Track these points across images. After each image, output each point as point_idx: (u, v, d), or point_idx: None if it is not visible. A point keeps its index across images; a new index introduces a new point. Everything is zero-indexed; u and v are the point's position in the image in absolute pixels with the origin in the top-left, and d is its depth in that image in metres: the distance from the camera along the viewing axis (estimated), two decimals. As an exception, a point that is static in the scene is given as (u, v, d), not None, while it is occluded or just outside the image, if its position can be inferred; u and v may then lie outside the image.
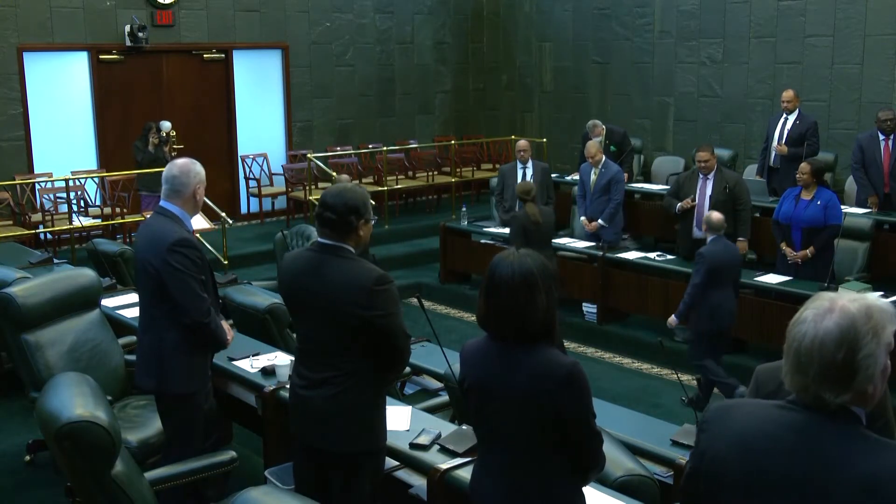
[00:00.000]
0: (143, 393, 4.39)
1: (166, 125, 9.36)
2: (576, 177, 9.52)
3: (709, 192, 7.11)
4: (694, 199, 7.14)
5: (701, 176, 7.17)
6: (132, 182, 9.41)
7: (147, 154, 9.03)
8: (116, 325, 5.00)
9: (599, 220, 8.01)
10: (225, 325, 3.83)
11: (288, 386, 3.56)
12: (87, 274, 4.62)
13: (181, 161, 3.72)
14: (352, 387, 3.11)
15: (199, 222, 7.91)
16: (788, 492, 1.66)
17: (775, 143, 8.44)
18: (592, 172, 8.12)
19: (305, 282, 3.13)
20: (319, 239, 3.16)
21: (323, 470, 3.27)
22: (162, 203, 3.69)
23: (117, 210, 9.28)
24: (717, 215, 6.08)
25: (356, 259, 3.15)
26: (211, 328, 3.64)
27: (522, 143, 8.60)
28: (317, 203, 3.17)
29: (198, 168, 3.71)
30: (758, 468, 1.70)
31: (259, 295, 4.87)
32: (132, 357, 4.61)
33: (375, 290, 3.03)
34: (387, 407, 3.60)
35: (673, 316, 6.13)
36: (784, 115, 8.43)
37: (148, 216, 3.82)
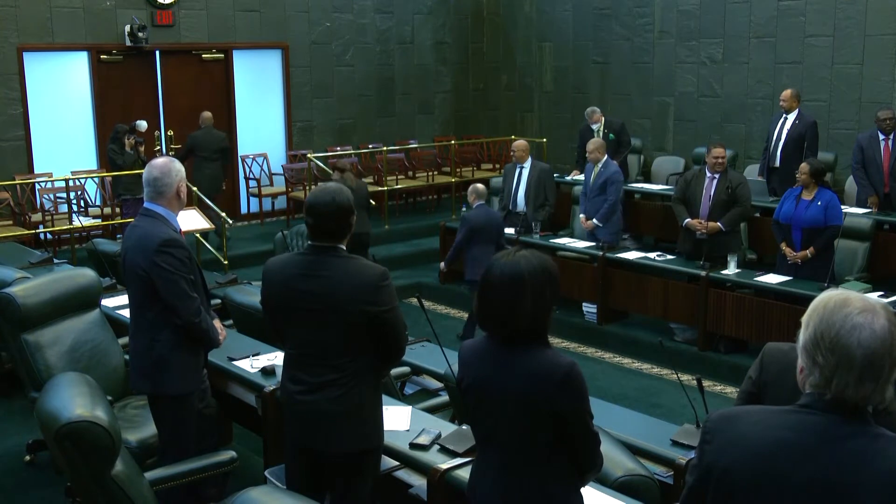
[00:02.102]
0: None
1: (143, 125, 9.37)
2: (576, 176, 9.55)
3: (712, 191, 7.11)
4: (703, 223, 7.11)
5: (708, 175, 7.16)
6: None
7: (128, 156, 8.95)
8: (116, 325, 5.00)
9: (594, 220, 8.01)
10: (217, 323, 3.83)
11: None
12: (86, 274, 4.62)
13: (159, 162, 3.71)
14: (356, 386, 3.13)
15: (198, 222, 7.91)
16: (813, 495, 1.65)
17: (774, 142, 8.46)
18: (593, 171, 8.12)
19: (303, 285, 3.12)
20: (312, 242, 3.16)
21: (320, 473, 3.27)
22: (146, 205, 3.69)
23: (117, 210, 9.27)
24: (480, 186, 7.47)
25: (354, 257, 3.18)
26: (202, 327, 3.64)
27: (516, 143, 8.58)
28: (307, 212, 3.16)
29: (177, 166, 3.71)
30: (778, 475, 1.68)
31: (259, 295, 4.86)
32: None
33: (381, 286, 3.09)
34: (388, 407, 3.62)
35: (442, 263, 7.52)
36: (784, 115, 8.43)
37: (134, 219, 3.83)
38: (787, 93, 8.42)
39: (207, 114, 9.92)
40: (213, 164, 9.69)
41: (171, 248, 3.55)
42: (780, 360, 2.64)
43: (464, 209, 9.20)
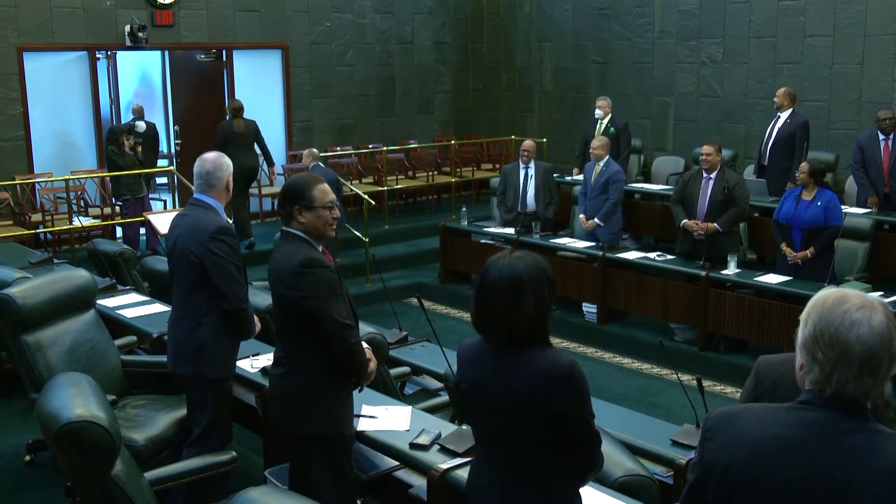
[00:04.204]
0: (144, 393, 4.40)
1: (142, 125, 9.46)
2: (577, 176, 9.54)
3: (709, 192, 7.11)
4: (699, 223, 7.12)
5: (705, 175, 7.16)
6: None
7: (128, 157, 8.99)
8: (116, 324, 5.00)
9: (595, 219, 8.01)
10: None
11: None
12: (82, 275, 4.64)
13: (211, 156, 3.87)
14: (296, 369, 3.26)
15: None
16: (813, 491, 1.66)
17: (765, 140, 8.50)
18: (594, 170, 8.12)
19: (269, 268, 3.35)
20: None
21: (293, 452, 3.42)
22: (196, 195, 3.86)
23: (117, 210, 9.27)
24: (315, 150, 8.60)
25: (296, 243, 3.25)
26: (248, 314, 3.82)
27: (527, 143, 8.60)
28: None
29: (227, 161, 3.90)
30: (778, 472, 1.69)
31: (259, 295, 4.85)
32: (129, 357, 4.64)
33: (299, 272, 3.16)
34: (388, 407, 3.61)
35: None
36: (777, 114, 8.44)
37: (183, 208, 4.03)
38: (780, 91, 8.44)
39: (137, 105, 10.33)
40: (149, 151, 9.90)
41: (224, 235, 3.73)
42: (774, 371, 2.64)
43: (464, 209, 9.22)
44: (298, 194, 3.24)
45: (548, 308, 2.45)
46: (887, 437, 1.66)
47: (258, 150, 9.47)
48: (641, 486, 3.09)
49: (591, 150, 8.15)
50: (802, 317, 1.74)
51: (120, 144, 8.96)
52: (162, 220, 7.22)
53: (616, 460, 3.11)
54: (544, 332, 2.46)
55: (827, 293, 1.73)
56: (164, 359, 4.18)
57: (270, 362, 4.12)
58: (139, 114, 10.11)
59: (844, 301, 1.69)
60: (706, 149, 7.11)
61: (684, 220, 7.22)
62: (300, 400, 3.26)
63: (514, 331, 2.42)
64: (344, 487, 3.31)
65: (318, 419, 3.26)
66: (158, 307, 5.31)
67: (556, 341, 7.43)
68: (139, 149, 9.17)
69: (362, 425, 3.55)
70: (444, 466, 3.16)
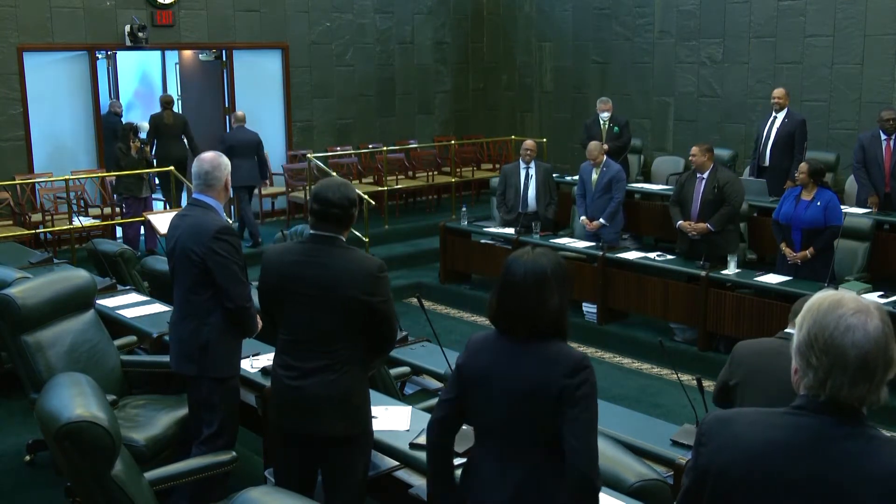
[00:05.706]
0: (144, 393, 4.39)
1: (146, 126, 9.49)
2: (577, 177, 9.54)
3: (701, 191, 7.13)
4: (691, 224, 7.14)
5: (697, 175, 7.19)
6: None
7: (130, 160, 9.01)
8: (115, 324, 5.00)
9: (601, 220, 8.02)
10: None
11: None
12: (81, 275, 4.63)
13: (209, 156, 3.87)
14: (346, 372, 3.23)
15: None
16: (809, 495, 1.65)
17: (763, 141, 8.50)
18: (594, 172, 8.13)
19: (300, 272, 3.21)
20: (314, 231, 3.24)
21: (309, 461, 3.35)
22: (196, 195, 3.87)
23: (117, 210, 9.28)
24: (240, 112, 9.61)
25: (353, 248, 3.28)
26: (251, 313, 3.80)
27: (529, 142, 8.63)
28: (313, 199, 3.27)
29: (225, 160, 3.90)
30: (774, 476, 1.68)
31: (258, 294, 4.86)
32: (129, 357, 4.63)
33: (379, 277, 3.18)
34: (388, 407, 3.64)
35: None
36: (773, 114, 8.44)
37: (182, 208, 4.08)
38: (781, 91, 8.46)
39: (116, 102, 10.83)
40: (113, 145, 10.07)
41: (227, 235, 3.73)
42: (749, 356, 2.67)
43: (464, 209, 9.22)
44: (356, 202, 3.27)
45: (567, 303, 2.50)
46: (883, 441, 1.66)
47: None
48: (656, 490, 3.06)
49: (589, 160, 8.15)
50: (797, 321, 1.73)
51: (128, 145, 8.99)
52: (162, 220, 7.22)
53: (629, 466, 3.07)
54: (563, 327, 2.50)
55: (822, 297, 1.72)
56: (164, 359, 4.18)
57: (271, 362, 4.13)
58: (116, 111, 10.25)
59: (839, 306, 1.68)
60: (693, 150, 7.21)
61: (680, 222, 7.24)
62: (355, 400, 3.27)
63: (537, 326, 2.46)
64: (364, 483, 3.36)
65: (366, 416, 3.34)
66: (158, 307, 5.31)
67: (556, 341, 7.44)
68: (146, 148, 9.20)
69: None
70: (445, 466, 3.15)
